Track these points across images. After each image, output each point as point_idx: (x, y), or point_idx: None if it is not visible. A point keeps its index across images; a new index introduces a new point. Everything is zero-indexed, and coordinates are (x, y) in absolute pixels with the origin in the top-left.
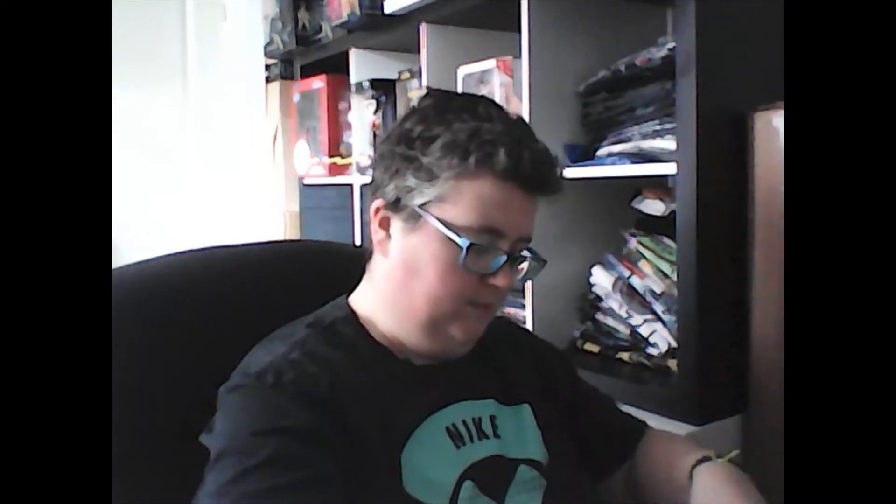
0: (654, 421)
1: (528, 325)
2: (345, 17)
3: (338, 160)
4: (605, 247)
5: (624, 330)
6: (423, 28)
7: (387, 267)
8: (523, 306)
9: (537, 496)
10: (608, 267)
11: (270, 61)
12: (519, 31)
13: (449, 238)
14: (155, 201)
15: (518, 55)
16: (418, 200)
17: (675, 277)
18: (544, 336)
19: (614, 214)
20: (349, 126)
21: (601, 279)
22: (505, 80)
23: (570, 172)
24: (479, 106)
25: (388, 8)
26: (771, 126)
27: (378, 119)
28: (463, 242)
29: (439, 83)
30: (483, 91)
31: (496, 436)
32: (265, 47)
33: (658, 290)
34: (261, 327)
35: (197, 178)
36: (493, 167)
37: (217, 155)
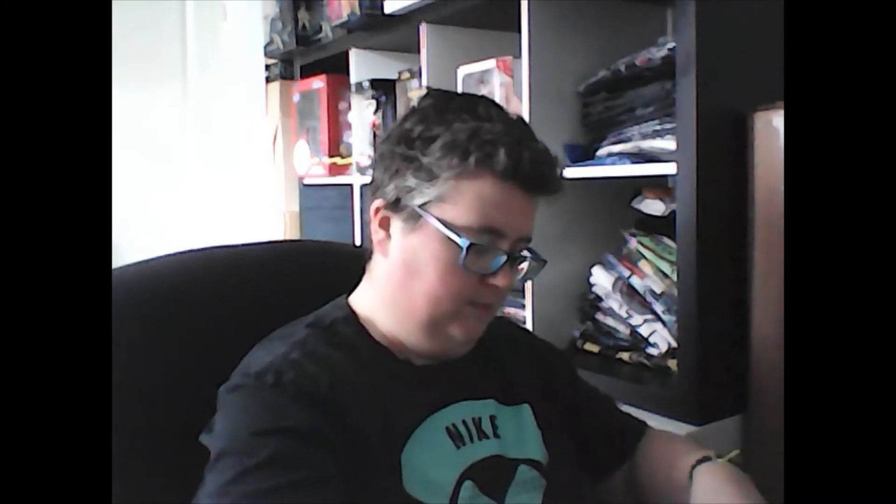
0: (654, 421)
1: (528, 325)
2: (345, 17)
3: (338, 160)
4: (605, 247)
5: (624, 330)
6: (423, 28)
7: (387, 267)
8: (523, 306)
9: (537, 496)
10: (608, 267)
11: (270, 61)
12: (519, 31)
13: (449, 238)
14: (155, 201)
15: (518, 55)
16: (418, 200)
17: (675, 277)
18: (544, 336)
19: (614, 214)
20: (349, 126)
21: (601, 279)
22: (505, 80)
23: (570, 172)
24: (478, 106)
25: (388, 8)
26: (771, 126)
27: (378, 119)
28: (463, 242)
29: (439, 83)
30: (483, 91)
31: (496, 436)
32: (265, 47)
33: (658, 290)
34: (261, 327)
35: (197, 178)
36: (493, 167)
37: (217, 155)
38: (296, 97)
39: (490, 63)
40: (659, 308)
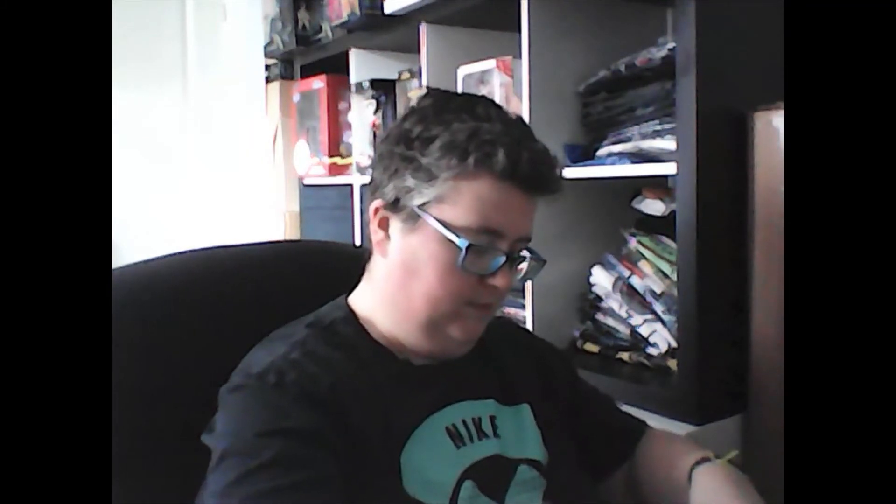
0: (654, 421)
1: (528, 325)
2: (345, 17)
3: (338, 160)
4: (605, 247)
5: (624, 330)
6: (423, 28)
7: (386, 267)
8: (523, 306)
9: (537, 496)
10: (608, 267)
11: (270, 61)
12: (519, 31)
13: (448, 238)
14: (155, 201)
15: (518, 55)
16: (417, 201)
17: (675, 277)
18: (544, 336)
19: (614, 214)
20: (349, 126)
21: (601, 279)
22: (505, 80)
23: (570, 172)
24: (478, 106)
25: (388, 8)
26: (771, 126)
27: (378, 119)
28: (462, 243)
29: (439, 83)
30: (483, 91)
31: (496, 436)
32: (265, 47)
33: (658, 290)
34: (261, 327)
35: (197, 178)
36: (491, 167)
37: (217, 155)
38: (296, 97)
39: (490, 63)
40: (659, 308)
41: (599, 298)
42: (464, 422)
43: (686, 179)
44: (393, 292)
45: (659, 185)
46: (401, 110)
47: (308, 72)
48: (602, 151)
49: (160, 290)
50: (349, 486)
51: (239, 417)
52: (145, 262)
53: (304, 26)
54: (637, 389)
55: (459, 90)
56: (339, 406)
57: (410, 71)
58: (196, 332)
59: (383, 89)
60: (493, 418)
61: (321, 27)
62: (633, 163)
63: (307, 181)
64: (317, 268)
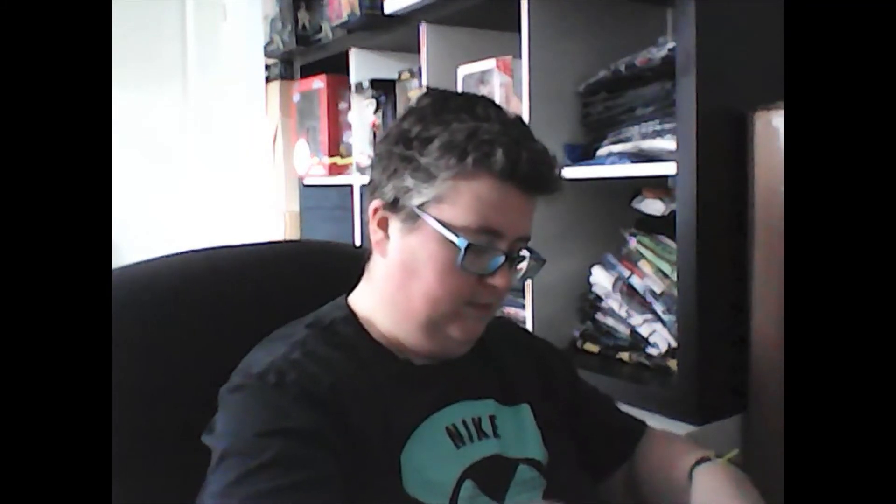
0: (654, 421)
1: (528, 325)
2: (345, 17)
3: (338, 160)
4: (605, 247)
5: (624, 330)
6: (423, 28)
7: (385, 267)
8: (523, 306)
9: (537, 496)
10: (608, 267)
11: (270, 61)
12: (519, 31)
13: (447, 238)
14: (155, 201)
15: (518, 55)
16: (416, 201)
17: (675, 277)
18: (544, 336)
19: (614, 214)
20: (349, 126)
21: (601, 279)
22: (505, 80)
23: (570, 172)
24: (477, 106)
25: (388, 8)
26: (771, 126)
27: (378, 119)
28: (461, 243)
29: (439, 83)
30: (483, 91)
31: (496, 435)
32: (265, 47)
33: (658, 290)
34: (261, 327)
35: (197, 178)
36: (490, 167)
37: (217, 155)
38: (296, 97)
39: (490, 63)
40: (659, 308)
41: (599, 298)
42: (464, 422)
43: (686, 179)
44: (393, 292)
45: (659, 185)
46: (401, 110)
47: (308, 72)
48: (602, 151)
49: (160, 290)
50: (349, 486)
51: (239, 417)
52: (145, 262)
53: (304, 26)
54: (637, 389)
55: (459, 90)
56: (339, 406)
57: (410, 71)
58: (196, 332)
59: (383, 89)
60: (492, 418)
61: (321, 27)
62: (633, 163)
63: (307, 181)
64: (317, 268)
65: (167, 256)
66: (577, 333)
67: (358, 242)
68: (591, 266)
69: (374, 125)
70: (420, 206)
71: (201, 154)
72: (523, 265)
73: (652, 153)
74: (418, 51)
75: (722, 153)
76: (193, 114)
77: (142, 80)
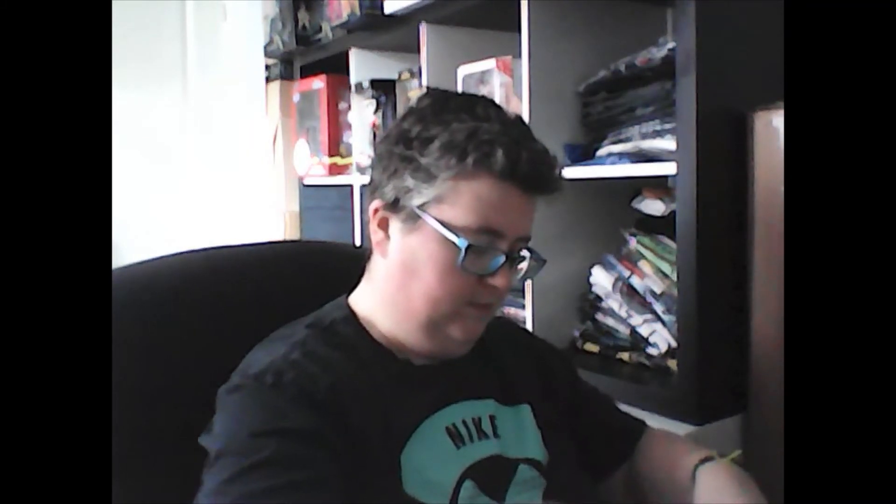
0: (654, 421)
1: (528, 325)
2: (345, 17)
3: (338, 160)
4: (605, 247)
5: (624, 330)
6: (423, 28)
7: (386, 267)
8: (523, 306)
9: (537, 496)
10: (608, 267)
11: (270, 61)
12: (519, 31)
13: (447, 238)
14: (155, 201)
15: (518, 55)
16: (417, 201)
17: (675, 277)
18: (544, 336)
19: (614, 214)
20: (349, 126)
21: (601, 279)
22: (505, 80)
23: (570, 172)
24: (477, 106)
25: (388, 8)
26: (771, 126)
27: (378, 119)
28: (461, 243)
29: (439, 83)
30: (483, 91)
31: (496, 435)
32: (265, 47)
33: (658, 290)
34: (261, 327)
35: (197, 178)
36: (490, 167)
37: (217, 155)
38: (296, 97)
39: (490, 63)
40: (659, 308)
41: (599, 298)
42: (464, 422)
43: (686, 179)
44: (393, 292)
45: (659, 185)
46: (401, 110)
47: (308, 72)
48: (602, 151)
49: (160, 290)
50: (349, 487)
51: (236, 417)
52: (145, 262)
53: (304, 26)
54: (637, 389)
55: (459, 90)
56: (338, 406)
57: (410, 71)
58: (196, 332)
59: (383, 89)
60: (492, 418)
61: (321, 27)
62: (633, 163)
63: (307, 181)
64: (317, 268)
65: (167, 256)
66: (577, 333)
67: (358, 242)
68: (591, 266)
69: (374, 125)
70: (420, 207)
71: (201, 154)
72: (523, 265)
73: (652, 153)
74: (418, 51)
75: (722, 153)
76: (193, 114)
77: (142, 80)
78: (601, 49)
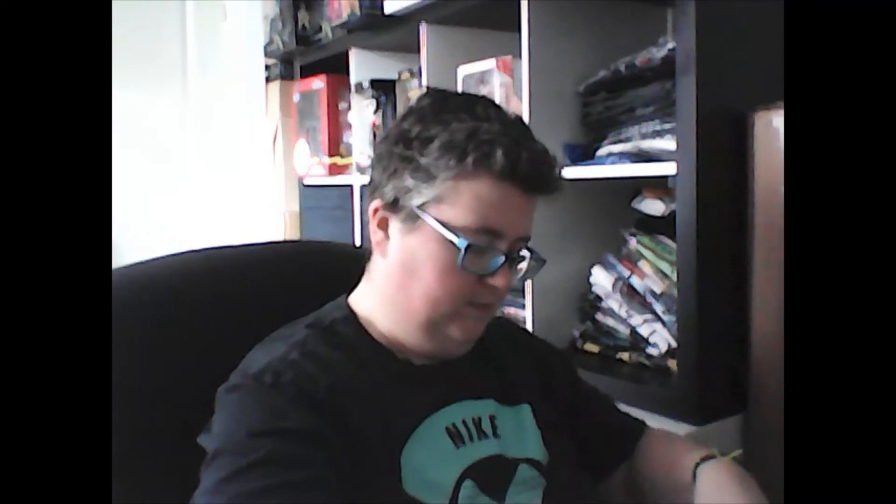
0: (654, 421)
1: (528, 325)
2: (345, 17)
3: (338, 160)
4: (605, 247)
5: (624, 330)
6: (423, 28)
7: (385, 267)
8: (523, 306)
9: (537, 495)
10: (608, 267)
11: (270, 61)
12: (519, 31)
13: (447, 239)
14: (155, 201)
15: (518, 55)
16: (416, 201)
17: (675, 277)
18: (544, 336)
19: (614, 214)
20: (349, 126)
21: (601, 279)
22: (505, 80)
23: (570, 172)
24: (476, 106)
25: (388, 8)
26: (771, 126)
27: (378, 119)
28: (461, 243)
29: (439, 83)
30: (483, 91)
31: (496, 435)
32: (265, 47)
33: (658, 290)
34: (261, 327)
35: (197, 178)
36: (490, 167)
37: (217, 155)
38: (296, 97)
39: (490, 63)
40: (659, 308)
41: (599, 298)
42: (463, 421)
43: (686, 179)
44: (392, 292)
45: (659, 185)
46: (401, 110)
47: (308, 72)
48: (602, 151)
49: (160, 290)
50: (348, 487)
51: (234, 417)
52: (145, 262)
53: (304, 26)
54: (637, 389)
55: (459, 90)
56: (337, 406)
57: (410, 71)
58: (196, 332)
59: (383, 89)
60: (492, 418)
61: (321, 27)
62: (633, 163)
63: (307, 181)
64: (317, 268)
65: (167, 256)
66: (577, 333)
67: (358, 242)
68: (591, 266)
69: (374, 125)
70: (420, 207)
71: (201, 154)
72: (523, 265)
73: (652, 153)
74: (418, 51)
75: (722, 153)
76: (193, 114)
77: (142, 80)
78: (601, 49)
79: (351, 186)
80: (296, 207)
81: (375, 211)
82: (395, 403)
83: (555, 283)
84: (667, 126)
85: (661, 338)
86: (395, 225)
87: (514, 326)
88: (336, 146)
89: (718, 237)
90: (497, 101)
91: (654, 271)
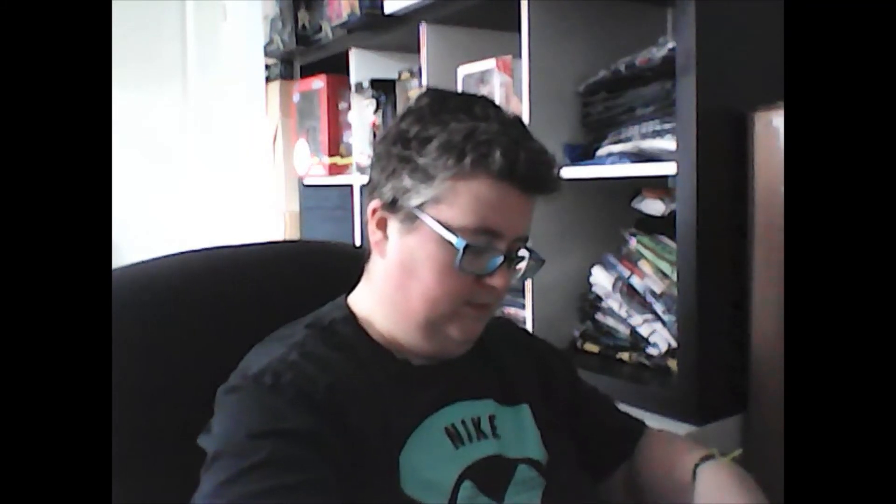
0: (654, 421)
1: (528, 325)
2: (345, 17)
3: (338, 160)
4: (605, 247)
5: (624, 330)
6: (423, 28)
7: (384, 267)
8: (523, 306)
9: (536, 496)
10: (608, 267)
11: (270, 61)
12: (519, 31)
13: (445, 239)
14: (155, 201)
15: (518, 55)
16: (415, 201)
17: (675, 277)
18: (544, 336)
19: (614, 214)
20: (349, 126)
21: (601, 279)
22: (505, 80)
23: (570, 172)
24: (475, 106)
25: (388, 8)
26: (771, 126)
27: (378, 119)
28: (459, 243)
29: (439, 83)
30: (483, 91)
31: (495, 436)
32: (265, 47)
33: (658, 290)
34: (261, 327)
35: (197, 178)
36: (489, 167)
37: (217, 155)
38: (296, 97)
39: (490, 63)
40: (659, 308)
41: (599, 298)
42: (463, 422)
43: (686, 179)
44: (391, 292)
45: (659, 185)
46: (401, 110)
47: (308, 72)
48: (602, 151)
49: (160, 290)
50: (348, 487)
51: (234, 418)
52: (145, 262)
53: (304, 26)
54: (637, 389)
55: (459, 90)
56: (336, 406)
57: (410, 71)
58: (196, 332)
59: (383, 89)
60: (492, 418)
61: (321, 27)
62: (633, 163)
63: (307, 181)
64: (317, 268)
65: (167, 256)
66: (577, 333)
67: (358, 242)
68: (591, 266)
69: (374, 125)
70: (418, 207)
71: (201, 154)
72: (522, 265)
73: (652, 153)
74: (418, 51)
75: (722, 153)
76: (193, 114)
77: (142, 80)
78: (601, 49)
79: (351, 186)
80: (296, 207)
81: (374, 211)
82: (395, 404)
83: (555, 283)
84: (667, 126)
85: (661, 338)
86: (393, 225)
87: (514, 326)
88: (336, 146)
89: (718, 237)
90: (497, 101)
91: (654, 271)
